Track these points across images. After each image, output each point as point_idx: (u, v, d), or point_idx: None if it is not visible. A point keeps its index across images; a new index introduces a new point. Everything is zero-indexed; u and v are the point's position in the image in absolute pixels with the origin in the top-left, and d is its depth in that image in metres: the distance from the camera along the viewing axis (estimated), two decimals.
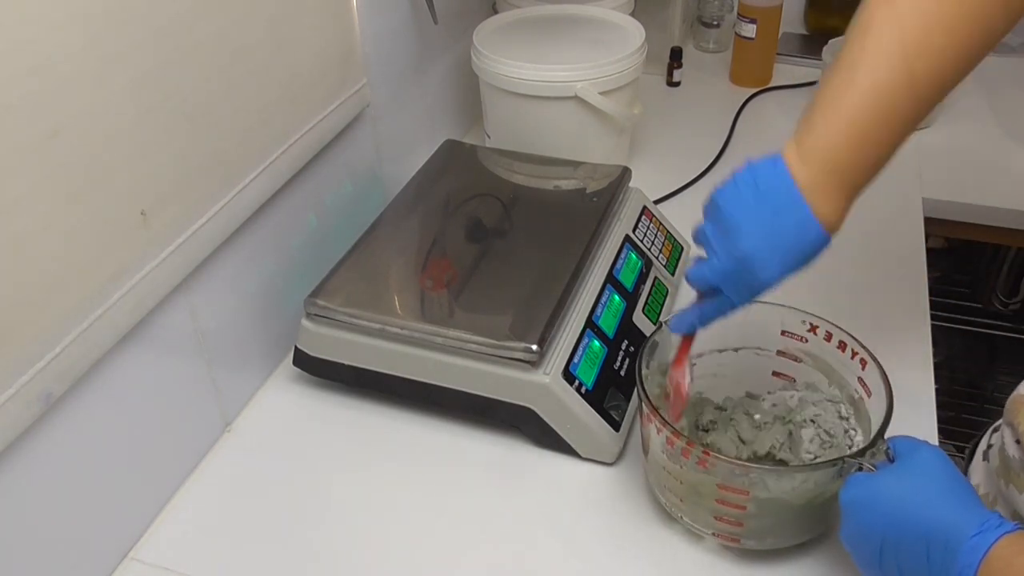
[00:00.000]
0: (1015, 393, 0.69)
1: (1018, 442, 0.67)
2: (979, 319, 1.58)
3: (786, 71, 1.40)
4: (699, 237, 0.64)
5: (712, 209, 0.63)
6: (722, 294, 0.63)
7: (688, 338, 0.70)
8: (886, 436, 0.62)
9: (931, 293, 0.94)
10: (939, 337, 0.90)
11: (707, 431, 0.76)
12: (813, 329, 0.72)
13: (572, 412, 0.74)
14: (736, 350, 0.77)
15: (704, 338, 0.76)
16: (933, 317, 0.91)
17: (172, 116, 0.67)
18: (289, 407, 0.84)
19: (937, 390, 0.82)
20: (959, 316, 1.54)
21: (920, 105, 0.60)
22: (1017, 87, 1.39)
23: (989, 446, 0.74)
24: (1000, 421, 0.73)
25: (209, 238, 0.73)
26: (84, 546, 0.67)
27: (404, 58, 1.06)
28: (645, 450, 0.71)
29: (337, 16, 0.89)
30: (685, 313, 0.67)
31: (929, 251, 1.02)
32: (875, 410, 0.66)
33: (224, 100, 0.73)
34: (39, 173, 0.56)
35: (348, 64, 0.92)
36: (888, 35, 0.59)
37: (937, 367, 0.85)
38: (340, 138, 0.93)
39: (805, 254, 0.61)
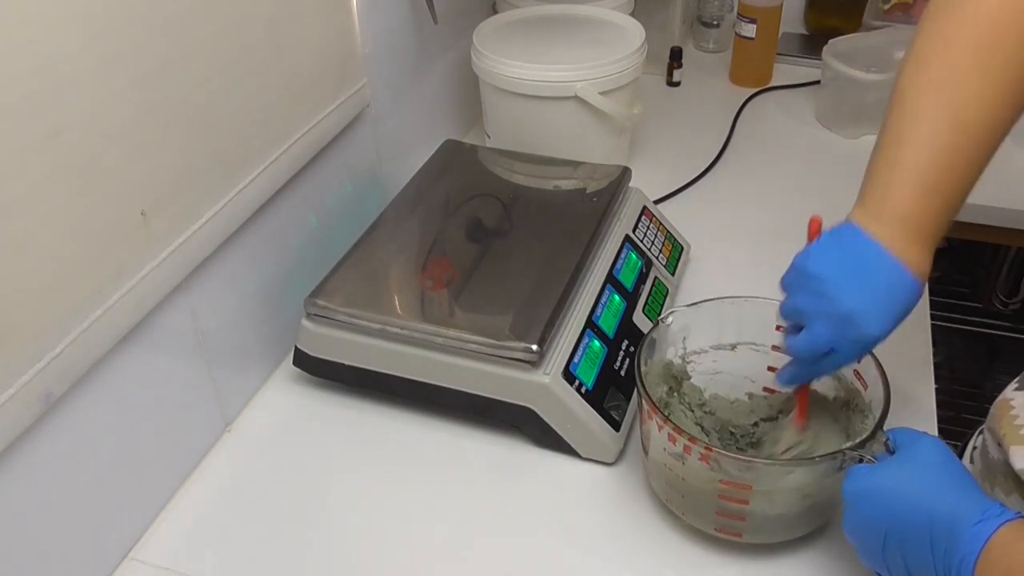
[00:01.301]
0: (1000, 397, 0.69)
1: (999, 445, 0.67)
2: (979, 319, 1.58)
3: (786, 71, 1.40)
4: (787, 312, 0.64)
5: (800, 278, 0.62)
6: (835, 354, 0.62)
7: (805, 391, 0.69)
8: (885, 427, 0.62)
9: (931, 293, 0.94)
10: (939, 337, 0.90)
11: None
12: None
13: (572, 412, 0.74)
14: (732, 347, 0.77)
15: (701, 337, 0.76)
16: (933, 317, 0.91)
17: (172, 116, 0.67)
18: (289, 407, 0.84)
19: (937, 390, 0.82)
20: (959, 316, 1.54)
21: (981, 148, 0.60)
22: None
23: (975, 448, 0.75)
24: (983, 425, 0.74)
25: (209, 238, 0.73)
26: (84, 546, 0.67)
27: (404, 58, 1.06)
28: (645, 448, 0.71)
29: (337, 16, 0.89)
30: (794, 372, 0.66)
31: None
32: (873, 402, 0.67)
33: (224, 100, 0.73)
34: (39, 173, 0.56)
35: (348, 64, 0.92)
36: (925, 96, 0.59)
37: (937, 367, 0.85)
38: (340, 138, 0.93)
39: (906, 302, 0.60)
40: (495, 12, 1.24)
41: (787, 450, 0.70)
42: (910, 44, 0.62)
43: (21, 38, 0.53)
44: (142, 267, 0.67)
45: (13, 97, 0.54)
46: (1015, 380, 0.71)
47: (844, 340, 0.60)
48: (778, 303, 0.67)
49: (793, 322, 0.64)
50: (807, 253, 0.62)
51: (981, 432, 0.74)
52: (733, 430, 0.75)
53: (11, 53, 0.53)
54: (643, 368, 0.69)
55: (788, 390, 0.70)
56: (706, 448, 0.62)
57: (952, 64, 0.59)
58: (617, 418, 0.76)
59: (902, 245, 0.60)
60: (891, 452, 0.60)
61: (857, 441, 0.62)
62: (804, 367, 0.65)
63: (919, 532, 0.54)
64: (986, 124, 0.59)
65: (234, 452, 0.80)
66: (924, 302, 0.92)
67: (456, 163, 1.01)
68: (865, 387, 0.69)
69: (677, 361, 0.76)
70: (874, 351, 0.68)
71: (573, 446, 0.76)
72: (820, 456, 0.62)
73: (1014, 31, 0.57)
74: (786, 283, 0.64)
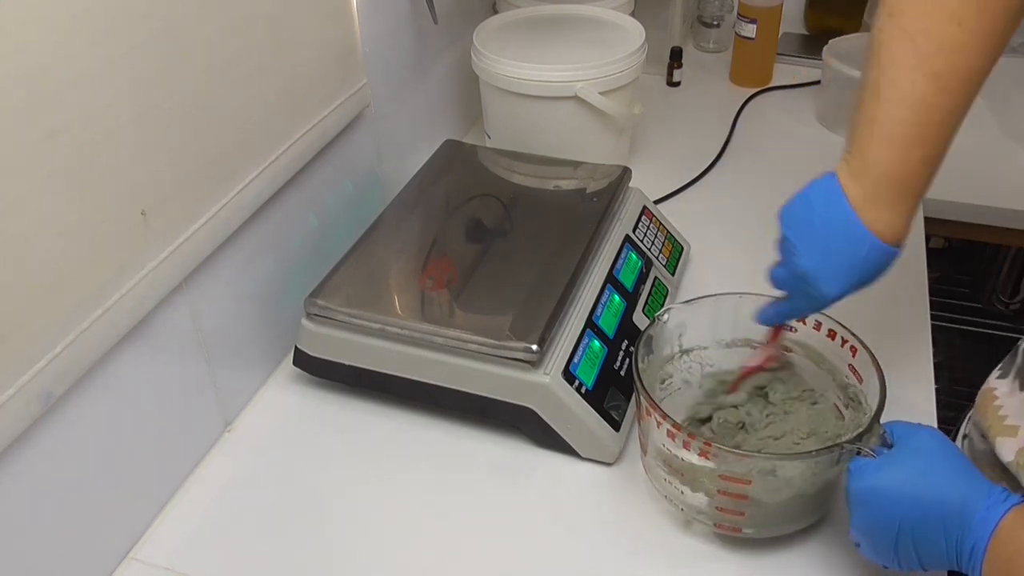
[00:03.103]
0: (984, 386, 0.70)
1: (984, 436, 0.68)
2: (979, 319, 1.58)
3: (786, 71, 1.40)
4: (779, 246, 0.68)
5: (780, 223, 0.66)
6: (792, 300, 0.67)
7: (776, 330, 0.73)
8: (881, 421, 0.62)
9: (931, 293, 0.94)
10: (939, 337, 0.90)
11: (707, 421, 0.76)
12: (802, 319, 0.73)
13: (572, 412, 0.74)
14: (728, 344, 0.77)
15: (695, 334, 0.76)
16: (933, 317, 0.91)
17: (172, 116, 0.67)
18: (289, 407, 0.84)
19: (937, 390, 0.82)
20: (959, 316, 1.54)
21: (956, 99, 0.60)
22: (1017, 87, 1.39)
23: (964, 436, 0.75)
24: (969, 413, 0.75)
25: (209, 238, 0.73)
26: (84, 546, 0.67)
27: (404, 58, 1.06)
28: (643, 445, 0.71)
29: (337, 16, 0.89)
30: (771, 306, 0.71)
31: (929, 251, 1.02)
32: (869, 395, 0.67)
33: (224, 100, 0.73)
34: (39, 173, 0.56)
35: (348, 64, 0.92)
36: (899, 47, 0.60)
37: (937, 367, 0.85)
38: (340, 138, 0.93)
39: (865, 267, 0.63)
40: (495, 12, 1.25)
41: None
42: None
43: (21, 38, 0.53)
44: (142, 267, 0.67)
45: (13, 97, 0.54)
46: (998, 368, 0.71)
47: (800, 292, 0.65)
48: (773, 299, 0.70)
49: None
50: (786, 205, 0.66)
51: (969, 420, 0.75)
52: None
53: (11, 53, 0.53)
54: (641, 365, 0.69)
55: (765, 328, 0.73)
56: (705, 443, 0.62)
57: (925, 12, 0.58)
58: (617, 418, 0.76)
59: (873, 207, 0.62)
60: (888, 445, 0.60)
61: (854, 435, 0.62)
62: (777, 308, 0.69)
63: (932, 522, 0.55)
64: (961, 73, 0.59)
65: (234, 452, 0.80)
66: (924, 302, 0.92)
67: (456, 163, 1.01)
68: (860, 381, 0.69)
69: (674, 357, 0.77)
70: (872, 349, 0.68)
71: (573, 446, 0.76)
72: (818, 450, 0.62)
73: None
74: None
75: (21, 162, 0.55)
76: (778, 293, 0.69)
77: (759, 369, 0.74)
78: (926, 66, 0.59)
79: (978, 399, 0.69)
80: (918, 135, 0.60)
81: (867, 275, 0.64)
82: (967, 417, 0.77)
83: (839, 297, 0.64)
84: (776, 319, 0.71)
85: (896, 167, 0.61)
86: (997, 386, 0.68)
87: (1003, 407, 0.66)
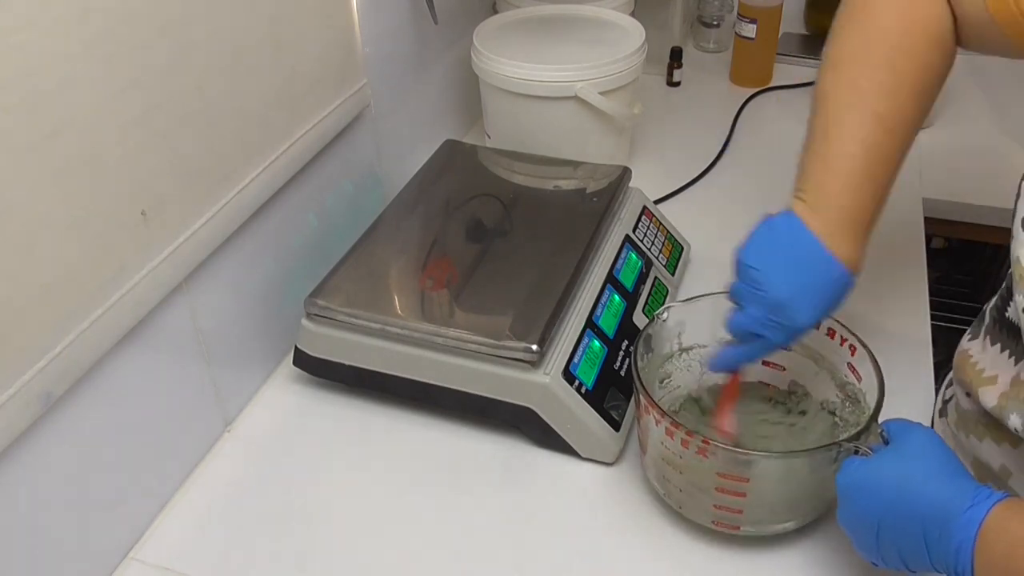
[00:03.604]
0: (958, 350, 0.71)
1: (968, 395, 0.68)
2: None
3: (786, 71, 1.40)
4: (732, 294, 0.68)
5: (740, 267, 0.67)
6: (764, 338, 0.66)
7: (733, 383, 0.71)
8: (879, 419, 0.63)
9: (931, 293, 0.94)
10: (939, 337, 0.90)
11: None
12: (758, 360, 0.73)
13: (572, 412, 0.74)
14: (724, 343, 0.77)
15: (694, 332, 0.76)
16: (933, 317, 0.91)
17: (172, 116, 0.67)
18: (289, 407, 0.84)
19: (937, 389, 0.82)
20: (959, 316, 1.54)
21: (896, 140, 0.66)
22: (1017, 87, 1.39)
23: (944, 402, 0.76)
24: (949, 376, 0.76)
25: (209, 238, 0.73)
26: (84, 546, 0.67)
27: (404, 58, 1.06)
28: (642, 443, 0.71)
29: (337, 16, 0.89)
30: (726, 353, 0.69)
31: (929, 251, 1.02)
32: (868, 394, 0.67)
33: (224, 100, 0.73)
34: (39, 173, 0.56)
35: (348, 64, 0.92)
36: (844, 93, 0.66)
37: (937, 367, 0.85)
38: (340, 138, 0.93)
39: (834, 294, 0.65)
40: (495, 12, 1.25)
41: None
42: (825, 52, 0.69)
43: (21, 38, 0.53)
44: (142, 267, 0.67)
45: (13, 97, 0.54)
46: (967, 333, 0.73)
47: (773, 325, 0.65)
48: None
49: (735, 305, 0.68)
50: (746, 244, 0.67)
51: (950, 384, 0.76)
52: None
53: (11, 53, 0.53)
54: (640, 363, 0.69)
55: (720, 375, 0.73)
56: (703, 441, 0.62)
57: (864, 64, 0.66)
58: (617, 418, 0.76)
59: (835, 237, 0.64)
60: (886, 443, 0.60)
61: (853, 433, 0.63)
62: (737, 351, 0.68)
63: (911, 521, 0.55)
64: (899, 115, 0.66)
65: (234, 452, 0.80)
66: (924, 302, 0.92)
67: (456, 163, 1.01)
68: (859, 379, 0.69)
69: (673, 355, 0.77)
70: (870, 347, 0.68)
71: (573, 446, 0.76)
72: (816, 448, 0.63)
73: (911, 35, 0.66)
74: (734, 266, 0.68)
75: (21, 162, 0.55)
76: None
77: (731, 400, 0.73)
78: (869, 108, 0.65)
79: (955, 361, 0.71)
80: (868, 171, 0.65)
81: (835, 303, 0.65)
82: (946, 382, 0.78)
83: (812, 326, 0.65)
84: (735, 364, 0.70)
85: (851, 201, 0.65)
86: (970, 347, 0.70)
87: (979, 363, 0.67)
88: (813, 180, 0.66)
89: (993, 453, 0.65)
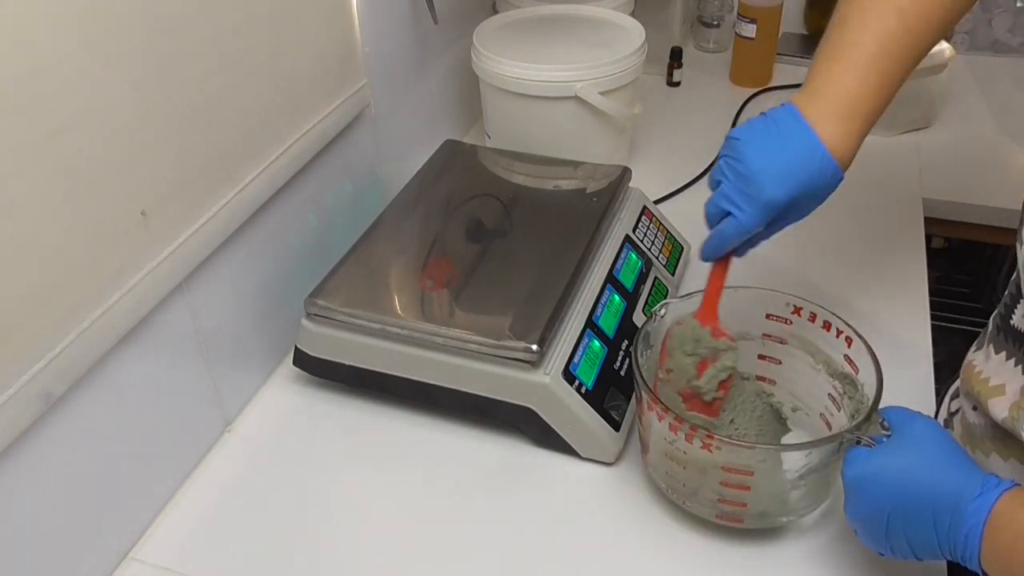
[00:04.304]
0: (964, 363, 0.70)
1: (975, 408, 0.68)
2: (979, 319, 1.57)
3: (786, 71, 1.40)
4: (713, 174, 0.68)
5: (727, 144, 0.67)
6: (732, 215, 0.65)
7: (716, 277, 0.71)
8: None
9: (931, 293, 0.94)
10: (939, 337, 0.90)
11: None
12: (797, 311, 0.74)
13: (572, 412, 0.74)
14: None
15: None
16: (933, 317, 0.91)
17: (172, 116, 0.67)
18: (289, 407, 0.84)
19: (937, 390, 0.82)
20: (959, 316, 1.54)
21: (915, 39, 0.65)
22: (1017, 87, 1.39)
23: (950, 414, 0.76)
24: (954, 387, 0.75)
25: (209, 238, 0.73)
26: (84, 546, 0.67)
27: (404, 58, 1.06)
28: (644, 441, 0.71)
29: (337, 16, 0.89)
30: (706, 242, 0.69)
31: (929, 251, 1.02)
32: (866, 385, 0.68)
33: (224, 100, 0.73)
34: (39, 173, 0.56)
35: (348, 64, 0.92)
36: None
37: (937, 367, 0.85)
38: (340, 138, 0.93)
39: (811, 175, 0.64)
40: (495, 12, 1.24)
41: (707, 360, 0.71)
42: None
43: (21, 38, 0.53)
44: (142, 267, 0.67)
45: (13, 97, 0.54)
46: (974, 343, 0.72)
47: (743, 198, 0.64)
48: (768, 291, 0.69)
49: (713, 188, 0.68)
50: (741, 125, 0.67)
51: (955, 396, 0.76)
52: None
53: (11, 53, 0.53)
54: (640, 360, 0.69)
55: (708, 264, 0.72)
56: (708, 435, 0.63)
57: None
58: (617, 418, 0.76)
59: (830, 124, 0.64)
60: (887, 431, 0.61)
61: (854, 424, 0.63)
62: (713, 235, 0.68)
63: (922, 511, 0.55)
64: (922, 15, 0.65)
65: (234, 452, 0.80)
66: (924, 302, 0.92)
67: (456, 163, 1.01)
68: (856, 371, 0.69)
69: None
70: (870, 344, 0.68)
71: (573, 446, 0.76)
72: (819, 440, 0.63)
73: None
74: (720, 151, 0.68)
75: (21, 162, 0.55)
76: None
77: (712, 303, 0.72)
78: (895, 7, 0.64)
79: (962, 374, 0.71)
80: (876, 63, 0.64)
81: (810, 186, 0.64)
82: (948, 394, 0.78)
83: (781, 202, 0.64)
84: (720, 243, 0.68)
85: (854, 85, 0.64)
86: (974, 358, 0.70)
87: (983, 372, 0.67)
88: (821, 69, 0.66)
89: (1000, 469, 0.65)
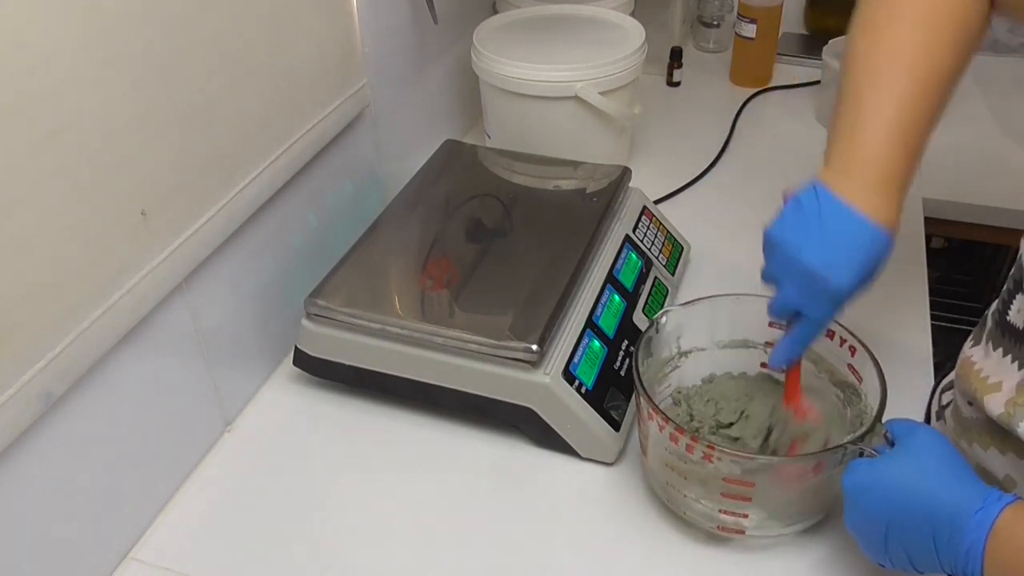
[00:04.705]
0: (961, 357, 0.70)
1: (971, 403, 0.68)
2: (979, 319, 1.57)
3: (786, 71, 1.40)
4: (766, 276, 0.66)
5: (769, 247, 0.65)
6: (804, 316, 0.64)
7: (794, 371, 0.70)
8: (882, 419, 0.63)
9: (931, 293, 0.94)
10: (939, 337, 0.90)
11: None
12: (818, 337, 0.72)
13: (572, 412, 0.74)
14: (725, 346, 0.77)
15: (693, 336, 0.76)
16: (933, 317, 0.91)
17: (172, 116, 0.67)
18: (289, 407, 0.84)
19: (933, 392, 0.82)
20: (959, 316, 1.54)
21: (933, 98, 0.64)
22: (1017, 87, 1.39)
23: (941, 406, 0.75)
24: (947, 379, 0.75)
25: (209, 238, 0.73)
26: (84, 546, 0.67)
27: (404, 58, 1.06)
28: (644, 449, 0.71)
29: (337, 16, 0.89)
30: (779, 345, 0.67)
31: (929, 251, 1.02)
32: (870, 395, 0.67)
33: (224, 100, 0.73)
34: (39, 173, 0.56)
35: (348, 64, 0.92)
36: (877, 54, 0.64)
37: (937, 367, 0.85)
38: (340, 138, 0.93)
39: (870, 255, 0.62)
40: (495, 12, 1.24)
41: (798, 438, 0.70)
42: (856, 13, 0.67)
43: (21, 38, 0.53)
44: (142, 267, 0.67)
45: (13, 97, 0.54)
46: (969, 339, 0.72)
47: (812, 296, 0.63)
48: (766, 296, 0.68)
49: (772, 287, 0.66)
50: (773, 222, 0.65)
51: (947, 389, 0.76)
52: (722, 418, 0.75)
53: (11, 53, 0.53)
54: (640, 368, 0.69)
55: (781, 370, 0.71)
56: (708, 446, 0.62)
57: (901, 23, 0.64)
58: (617, 418, 0.76)
59: (867, 196, 0.62)
60: (891, 444, 0.60)
61: (857, 435, 0.62)
62: (787, 341, 0.66)
63: (920, 523, 0.55)
64: (937, 72, 0.64)
65: (234, 452, 0.80)
66: (924, 302, 0.92)
67: (456, 163, 1.01)
68: (860, 380, 0.69)
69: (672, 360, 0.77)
70: (872, 349, 0.68)
71: (573, 446, 0.76)
72: (822, 451, 0.63)
73: None
74: (764, 251, 0.66)
75: (22, 162, 0.55)
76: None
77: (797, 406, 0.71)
78: (905, 66, 0.63)
79: (958, 369, 0.71)
80: (902, 127, 0.63)
81: (872, 264, 0.62)
82: (939, 388, 0.78)
83: (853, 290, 0.62)
84: (793, 350, 0.67)
85: (885, 154, 0.63)
86: (972, 354, 0.69)
87: (983, 369, 0.66)
88: (843, 142, 0.64)
89: (998, 463, 0.65)
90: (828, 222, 0.62)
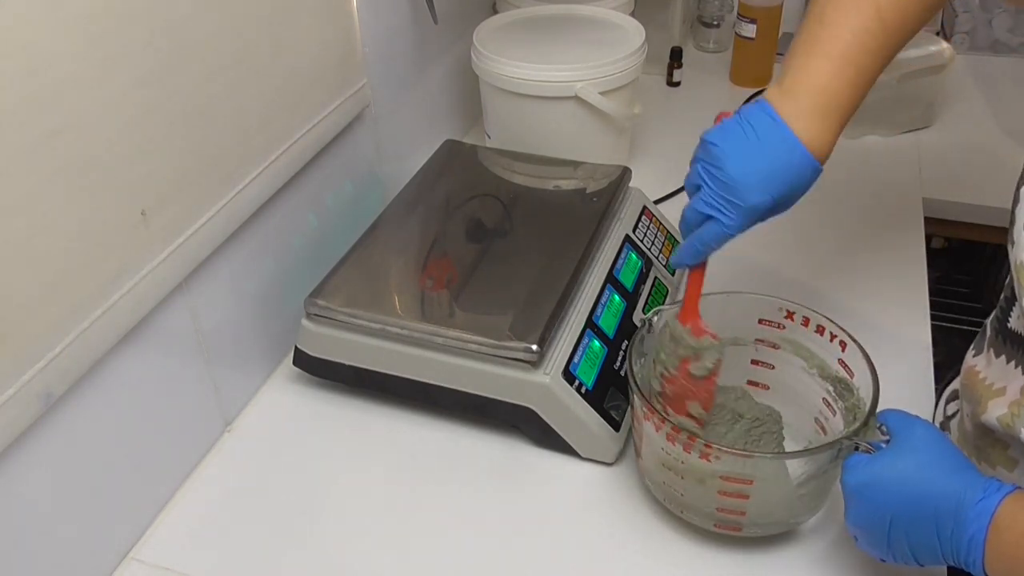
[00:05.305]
0: (964, 367, 0.70)
1: (975, 411, 0.68)
2: (979, 319, 1.57)
3: None
4: (690, 179, 0.67)
5: (701, 148, 0.66)
6: (715, 220, 0.64)
7: (694, 281, 0.70)
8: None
9: (931, 293, 0.94)
10: (939, 337, 0.90)
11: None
12: (790, 316, 0.73)
13: (572, 412, 0.74)
14: None
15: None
16: (933, 317, 0.91)
17: (172, 116, 0.67)
18: (289, 407, 0.84)
19: (937, 390, 0.82)
20: (959, 316, 1.54)
21: (891, 37, 0.65)
22: (1017, 87, 1.39)
23: (947, 417, 0.75)
24: (950, 389, 0.75)
25: (209, 238, 0.73)
26: (84, 546, 0.67)
27: (404, 58, 1.06)
28: (638, 450, 0.71)
29: (337, 16, 0.89)
30: (683, 244, 0.68)
31: (929, 251, 1.02)
32: (862, 389, 0.67)
33: (224, 100, 0.73)
34: (39, 173, 0.56)
35: (348, 64, 0.92)
36: None
37: (937, 367, 0.85)
38: (340, 138, 0.93)
39: (792, 177, 0.63)
40: (495, 12, 1.25)
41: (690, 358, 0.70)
42: None
43: (21, 38, 0.53)
44: (142, 267, 0.67)
45: (13, 97, 0.54)
46: (971, 348, 0.73)
47: (726, 204, 0.63)
48: (760, 296, 0.68)
49: (691, 193, 0.67)
50: (713, 128, 0.66)
51: (951, 400, 0.75)
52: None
53: (11, 53, 0.53)
54: (635, 367, 0.69)
55: (682, 270, 0.71)
56: (706, 445, 0.62)
57: None
58: (617, 418, 0.76)
59: (808, 121, 0.63)
60: (885, 436, 0.60)
61: (851, 429, 0.63)
62: (693, 240, 0.66)
63: (924, 517, 0.55)
64: (902, 15, 0.64)
65: (234, 452, 0.80)
66: (924, 302, 0.92)
67: (456, 163, 1.01)
68: (852, 375, 0.69)
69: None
70: (864, 347, 0.68)
71: (573, 446, 0.76)
72: (818, 447, 0.63)
73: None
74: (694, 153, 0.67)
75: (21, 162, 0.55)
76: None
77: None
78: (875, 8, 0.63)
79: (962, 379, 0.71)
80: (852, 57, 0.64)
81: (792, 186, 0.64)
82: (943, 396, 0.78)
83: (766, 207, 0.63)
84: (696, 250, 0.67)
85: (830, 80, 0.63)
86: (976, 363, 0.69)
87: (987, 377, 0.67)
88: (797, 63, 0.65)
89: (1005, 478, 0.65)
90: (763, 138, 0.63)
